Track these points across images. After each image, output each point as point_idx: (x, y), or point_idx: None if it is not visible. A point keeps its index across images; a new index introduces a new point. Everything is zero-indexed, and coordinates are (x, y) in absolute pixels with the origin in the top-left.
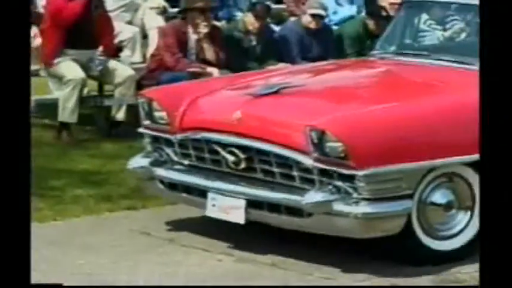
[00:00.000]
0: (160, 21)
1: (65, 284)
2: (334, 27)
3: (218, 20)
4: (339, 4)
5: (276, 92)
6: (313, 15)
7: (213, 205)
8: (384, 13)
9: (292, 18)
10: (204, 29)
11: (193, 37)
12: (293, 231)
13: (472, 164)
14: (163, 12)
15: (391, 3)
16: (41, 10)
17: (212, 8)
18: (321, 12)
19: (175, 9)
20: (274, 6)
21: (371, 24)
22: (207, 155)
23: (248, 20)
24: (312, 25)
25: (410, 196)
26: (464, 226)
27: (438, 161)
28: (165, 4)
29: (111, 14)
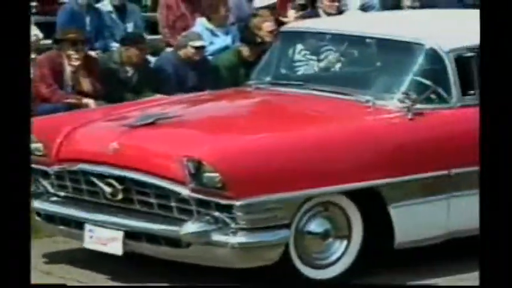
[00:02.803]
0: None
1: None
2: (210, 58)
3: (94, 50)
4: (214, 35)
5: (152, 123)
6: (197, 47)
7: (91, 237)
8: (259, 40)
9: (168, 49)
10: (75, 62)
11: (68, 68)
12: (175, 261)
13: (347, 193)
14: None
15: (269, 31)
16: None
17: (85, 39)
18: (204, 43)
19: (50, 41)
20: (149, 36)
21: (246, 52)
22: (84, 187)
23: (124, 50)
24: (196, 57)
25: (287, 225)
26: (341, 254)
27: (314, 191)
28: (38, 33)
29: None
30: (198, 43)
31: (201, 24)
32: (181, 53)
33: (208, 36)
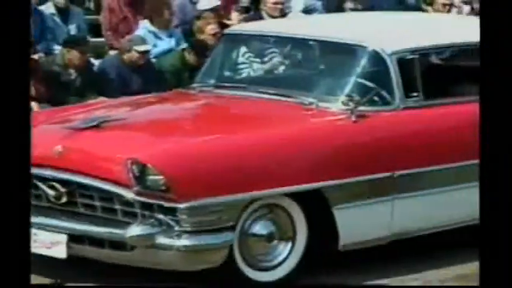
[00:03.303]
0: None
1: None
2: (153, 60)
3: (36, 53)
4: (157, 37)
5: (97, 126)
6: (141, 52)
7: (35, 241)
8: (203, 44)
9: (112, 52)
10: None
11: None
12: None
13: (292, 195)
14: None
15: (212, 34)
16: None
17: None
18: (148, 48)
19: None
20: (93, 39)
21: (190, 55)
22: None
23: (66, 53)
24: (140, 61)
25: (232, 228)
26: (286, 256)
27: (258, 193)
28: None
29: None
30: (142, 47)
31: (144, 27)
32: (126, 57)
33: (151, 39)
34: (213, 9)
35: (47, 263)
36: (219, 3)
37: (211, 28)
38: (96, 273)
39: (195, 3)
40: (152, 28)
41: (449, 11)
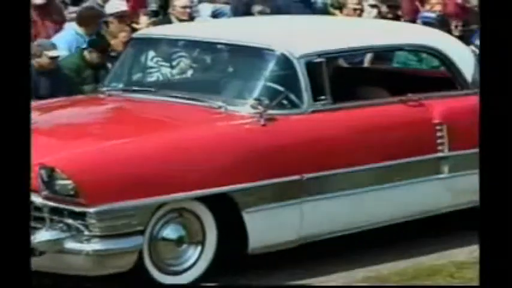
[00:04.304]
0: None
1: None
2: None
3: None
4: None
5: None
6: (52, 57)
7: None
8: (103, 43)
9: None
10: None
11: None
12: None
13: (201, 199)
14: None
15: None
16: None
17: None
18: (59, 53)
19: None
20: None
21: (90, 54)
22: None
23: None
24: (51, 66)
25: (141, 232)
26: (196, 260)
27: (168, 197)
28: None
29: None
30: (53, 53)
31: (72, 29)
32: (35, 62)
33: (80, 42)
34: (121, 15)
35: None
36: (125, 8)
37: (124, 36)
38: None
39: (102, 7)
40: (80, 31)
41: (359, 15)
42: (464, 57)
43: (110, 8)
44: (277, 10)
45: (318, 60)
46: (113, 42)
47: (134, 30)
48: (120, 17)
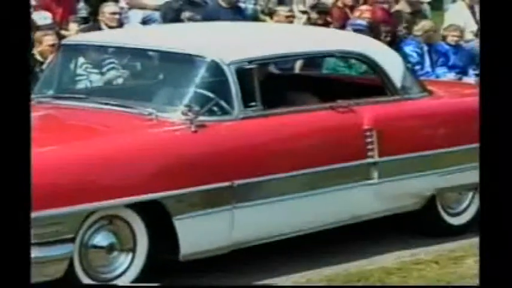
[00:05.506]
0: None
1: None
2: None
3: None
4: None
5: None
6: None
7: None
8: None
9: None
10: None
11: None
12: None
13: (132, 206)
14: None
15: (51, 45)
16: None
17: None
18: None
19: None
20: None
21: None
22: None
23: None
24: None
25: (71, 240)
26: (127, 267)
27: (96, 204)
28: None
29: None
30: None
31: None
32: None
33: None
34: (49, 25)
35: None
36: (49, 21)
37: (48, 39)
38: None
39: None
40: None
41: (291, 22)
42: (394, 64)
43: (39, 19)
44: (207, 17)
45: (249, 66)
46: (40, 48)
47: (64, 37)
48: (49, 29)
